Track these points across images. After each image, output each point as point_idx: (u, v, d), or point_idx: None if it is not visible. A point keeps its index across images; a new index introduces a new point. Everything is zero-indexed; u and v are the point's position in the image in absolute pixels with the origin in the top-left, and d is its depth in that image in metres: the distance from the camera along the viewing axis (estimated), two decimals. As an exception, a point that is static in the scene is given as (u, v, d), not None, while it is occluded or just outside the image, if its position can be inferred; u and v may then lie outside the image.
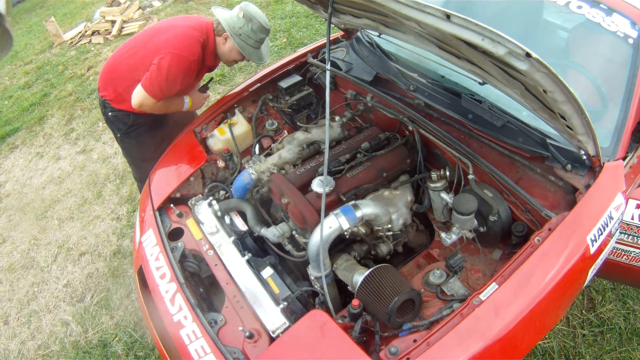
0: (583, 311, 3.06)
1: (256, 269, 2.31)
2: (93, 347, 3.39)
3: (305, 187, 2.44)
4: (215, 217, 2.58)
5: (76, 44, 8.38)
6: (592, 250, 1.94)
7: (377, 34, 3.00)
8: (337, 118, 2.95)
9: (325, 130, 2.00)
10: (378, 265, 2.00)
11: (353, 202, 2.27)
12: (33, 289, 3.98)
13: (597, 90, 2.46)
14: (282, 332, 1.96)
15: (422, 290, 2.08)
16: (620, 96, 2.32)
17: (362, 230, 2.36)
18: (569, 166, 2.13)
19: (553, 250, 1.87)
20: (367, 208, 2.22)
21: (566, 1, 2.60)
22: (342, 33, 3.34)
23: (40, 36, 9.47)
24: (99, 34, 8.34)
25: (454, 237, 2.25)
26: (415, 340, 1.76)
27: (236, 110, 3.15)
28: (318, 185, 2.35)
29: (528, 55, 1.42)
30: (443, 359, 1.65)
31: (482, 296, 1.77)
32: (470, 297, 1.79)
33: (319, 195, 2.32)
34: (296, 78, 3.24)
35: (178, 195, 2.75)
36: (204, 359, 1.95)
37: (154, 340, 2.41)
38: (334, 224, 2.16)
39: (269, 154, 2.85)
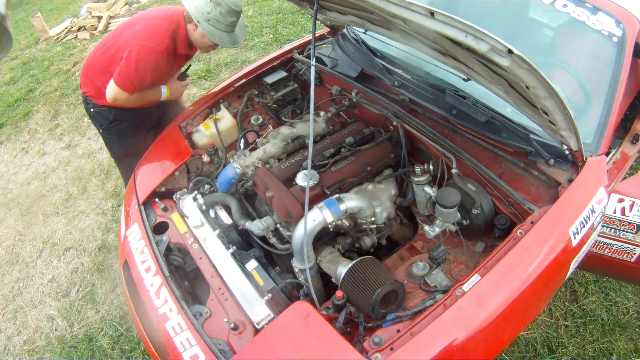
0: (566, 303, 3.10)
1: (241, 262, 2.31)
2: (79, 342, 3.38)
3: (289, 181, 2.45)
4: (200, 210, 2.58)
5: (62, 39, 8.30)
6: (574, 242, 1.97)
7: (363, 30, 3.01)
8: (322, 113, 2.97)
9: (310, 125, 2.01)
10: (362, 258, 2.02)
11: (337, 195, 2.28)
12: (18, 285, 3.95)
13: (581, 87, 2.50)
14: (267, 324, 1.97)
15: (406, 281, 2.10)
16: (604, 93, 2.37)
17: (346, 223, 2.37)
18: (552, 161, 2.15)
19: (535, 243, 1.90)
20: (351, 201, 2.23)
21: (552, 0, 2.63)
22: (328, 30, 3.35)
23: (26, 32, 9.34)
24: (85, 29, 8.25)
25: (437, 230, 2.27)
26: (398, 331, 1.78)
27: (221, 106, 3.15)
28: (302, 179, 2.37)
29: (510, 51, 1.45)
30: (426, 349, 1.67)
31: (465, 287, 1.79)
32: (453, 288, 1.81)
33: (303, 189, 2.34)
34: (282, 74, 3.25)
35: (163, 189, 2.75)
36: (189, 350, 1.95)
37: (139, 333, 2.40)
38: (318, 217, 2.17)
39: (253, 149, 2.85)
